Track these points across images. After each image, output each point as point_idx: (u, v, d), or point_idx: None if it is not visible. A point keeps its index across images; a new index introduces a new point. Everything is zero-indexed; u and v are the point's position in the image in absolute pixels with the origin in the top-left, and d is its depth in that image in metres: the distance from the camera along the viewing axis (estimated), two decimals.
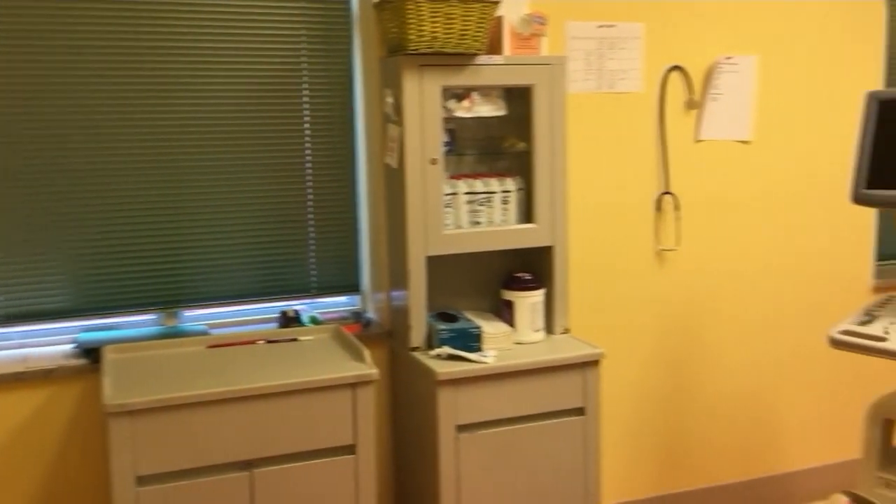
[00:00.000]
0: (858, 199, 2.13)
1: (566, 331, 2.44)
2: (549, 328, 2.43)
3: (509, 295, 2.38)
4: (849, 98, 2.91)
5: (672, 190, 2.75)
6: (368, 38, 2.41)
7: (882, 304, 2.14)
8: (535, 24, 2.32)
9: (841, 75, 2.89)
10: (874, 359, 2.98)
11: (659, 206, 2.74)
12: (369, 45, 2.41)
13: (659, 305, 2.79)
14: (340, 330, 2.33)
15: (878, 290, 3.01)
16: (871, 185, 2.11)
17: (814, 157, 2.90)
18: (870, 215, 2.99)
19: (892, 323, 2.03)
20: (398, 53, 2.20)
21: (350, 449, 2.03)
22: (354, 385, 2.01)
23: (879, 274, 3.04)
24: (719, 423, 2.92)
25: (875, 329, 2.02)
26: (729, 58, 2.72)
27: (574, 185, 2.63)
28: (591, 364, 2.29)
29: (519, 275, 2.40)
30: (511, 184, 2.38)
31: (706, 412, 2.89)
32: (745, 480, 2.96)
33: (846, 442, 3.06)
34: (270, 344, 2.28)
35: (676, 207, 2.76)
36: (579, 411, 2.29)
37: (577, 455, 2.30)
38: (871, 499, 1.64)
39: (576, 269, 2.66)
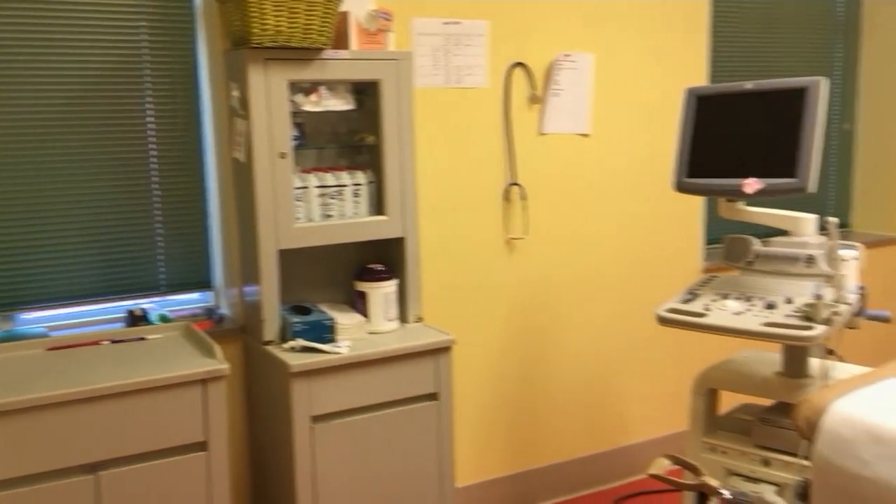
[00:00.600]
0: (680, 188, 2.31)
1: (419, 319, 2.51)
2: (402, 317, 2.49)
3: (362, 286, 2.42)
4: (676, 93, 3.13)
5: (519, 181, 2.87)
6: (213, 31, 2.38)
7: (703, 284, 2.33)
8: (381, 20, 2.37)
9: (669, 72, 3.11)
10: (701, 335, 3.23)
11: (507, 197, 2.86)
12: (214, 37, 2.38)
13: (509, 292, 2.91)
14: (191, 327, 2.29)
15: (707, 271, 3.25)
16: (691, 175, 2.29)
17: (646, 149, 3.10)
18: (698, 203, 3.23)
19: (712, 300, 2.21)
20: (242, 47, 2.19)
21: (202, 446, 2.01)
22: (205, 381, 2.00)
23: (707, 257, 3.29)
24: (566, 402, 3.08)
25: (696, 306, 2.20)
26: (568, 55, 2.87)
27: (424, 177, 2.70)
28: (443, 350, 2.36)
29: (371, 266, 2.45)
30: (362, 177, 2.42)
31: (554, 393, 3.05)
32: (591, 454, 3.14)
33: (681, 413, 3.30)
34: (116, 344, 2.22)
35: (523, 198, 2.88)
36: (433, 396, 2.36)
37: (432, 439, 2.37)
38: (688, 459, 1.79)
39: (428, 259, 2.74)
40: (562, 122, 2.91)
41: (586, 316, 3.07)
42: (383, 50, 2.38)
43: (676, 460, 1.83)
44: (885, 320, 2.13)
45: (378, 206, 2.44)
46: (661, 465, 1.82)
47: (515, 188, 2.87)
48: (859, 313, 2.10)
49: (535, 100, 2.86)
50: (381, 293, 2.41)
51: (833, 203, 3.82)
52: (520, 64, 2.82)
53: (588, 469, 3.13)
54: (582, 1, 2.89)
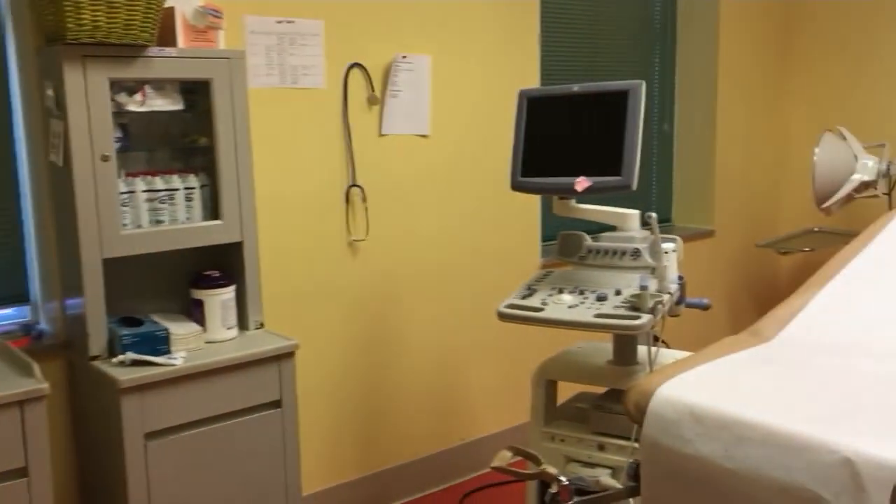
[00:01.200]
0: (516, 187, 2.38)
1: (260, 325, 2.44)
2: (242, 324, 2.41)
3: (199, 294, 2.33)
4: (512, 94, 3.22)
5: (359, 182, 2.86)
6: (23, 26, 2.20)
7: (541, 279, 2.41)
8: (210, 17, 2.28)
9: (504, 74, 3.19)
10: (540, 328, 3.35)
11: (348, 199, 2.84)
12: (24, 33, 2.21)
13: (353, 294, 2.89)
14: (6, 345, 2.11)
15: (544, 267, 3.38)
16: (526, 174, 2.36)
17: (485, 148, 3.18)
18: (535, 201, 3.35)
19: (548, 295, 2.29)
20: (57, 43, 2.04)
21: (22, 472, 1.86)
22: (22, 403, 1.85)
23: (544, 253, 3.41)
24: (413, 401, 3.10)
25: (534, 301, 2.27)
26: (405, 57, 2.89)
27: (263, 180, 2.63)
28: (285, 356, 2.31)
29: (208, 273, 2.35)
30: (195, 180, 2.32)
31: (401, 392, 3.06)
32: (440, 451, 3.17)
33: (525, 404, 3.41)
34: None
35: (364, 199, 2.87)
36: (276, 404, 2.30)
37: (277, 448, 2.31)
38: (529, 450, 1.85)
39: (269, 264, 2.67)
40: (401, 123, 2.93)
41: (431, 314, 3.10)
42: (214, 48, 2.29)
43: (518, 451, 1.88)
44: (703, 308, 2.29)
45: (213, 211, 2.35)
46: (504, 458, 1.87)
47: (356, 189, 2.86)
48: (680, 302, 2.24)
49: (374, 101, 2.86)
50: (219, 300, 2.33)
51: (656, 199, 4.07)
52: (357, 65, 2.80)
53: (436, 466, 3.16)
54: (417, 3, 2.92)
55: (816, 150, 3.49)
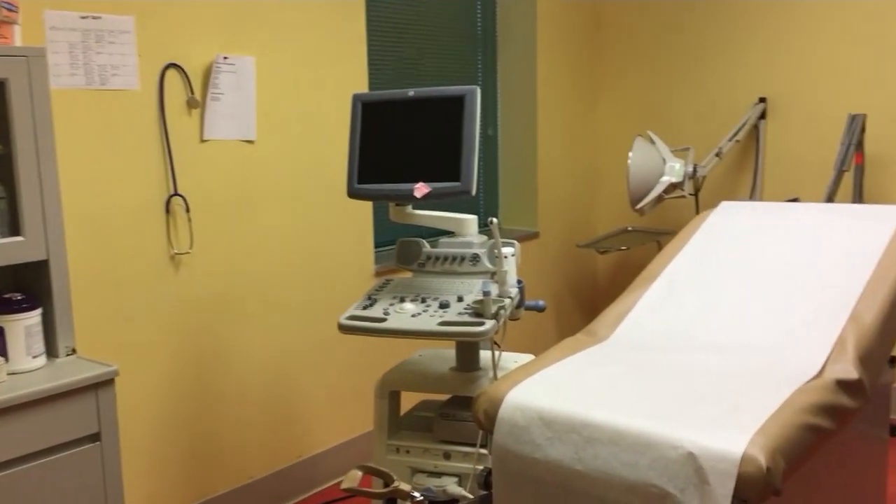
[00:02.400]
0: (353, 194, 2.31)
1: (72, 352, 2.20)
2: (51, 352, 2.16)
3: None
4: (341, 99, 3.14)
5: (181, 192, 2.67)
6: None
7: (380, 288, 2.35)
8: (4, 11, 2.03)
9: (333, 77, 3.11)
10: (381, 338, 3.30)
11: (168, 209, 2.64)
12: None
13: (177, 312, 2.69)
14: None
15: (378, 274, 3.32)
16: (362, 181, 2.30)
17: (315, 154, 3.08)
18: (368, 208, 3.29)
19: (390, 304, 2.24)
20: None
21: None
22: None
23: (378, 260, 3.36)
24: (247, 421, 2.94)
25: (376, 311, 2.21)
26: (226, 57, 2.73)
27: (72, 191, 2.39)
28: (104, 384, 2.10)
29: (8, 295, 2.09)
30: None
31: (233, 413, 2.89)
32: (276, 471, 3.03)
33: (366, 417, 3.34)
34: None
35: (187, 210, 2.69)
36: (94, 438, 2.09)
37: (97, 485, 2.10)
38: (380, 467, 1.79)
39: (82, 283, 2.43)
40: (225, 128, 2.77)
41: (263, 328, 2.95)
42: (9, 45, 2.04)
43: (368, 470, 1.82)
44: (540, 310, 2.33)
45: (12, 226, 2.09)
46: (354, 478, 1.80)
47: (178, 199, 2.66)
48: (520, 305, 2.27)
49: (195, 104, 2.68)
50: (22, 326, 2.08)
51: (484, 203, 4.14)
52: (175, 65, 2.61)
53: (274, 486, 3.02)
54: (238, 2, 2.77)
55: (630, 154, 3.68)
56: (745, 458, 1.46)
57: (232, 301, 2.85)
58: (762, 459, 1.46)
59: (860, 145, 3.41)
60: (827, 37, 3.67)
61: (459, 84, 3.84)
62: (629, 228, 4.26)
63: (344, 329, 2.18)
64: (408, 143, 2.24)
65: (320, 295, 3.14)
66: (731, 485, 1.46)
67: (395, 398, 2.38)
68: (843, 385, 1.79)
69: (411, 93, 2.24)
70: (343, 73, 3.15)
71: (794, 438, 1.56)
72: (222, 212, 2.79)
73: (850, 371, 1.83)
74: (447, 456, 2.27)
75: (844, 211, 2.40)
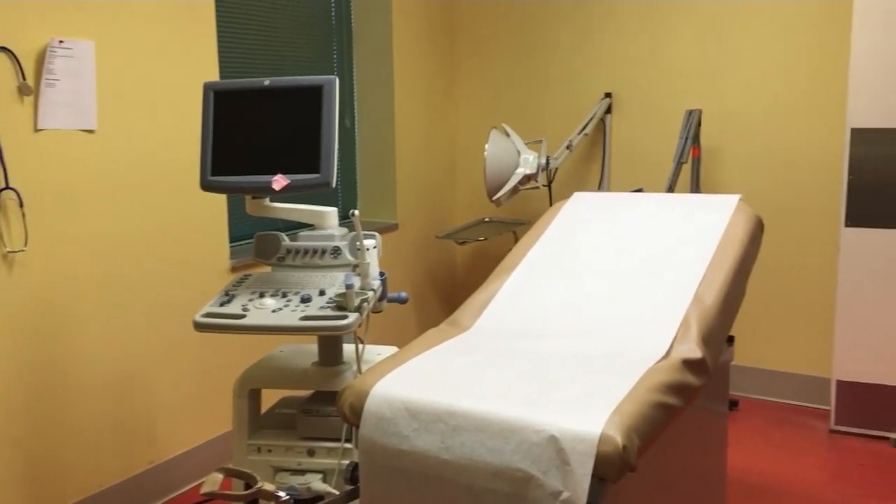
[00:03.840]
0: (206, 186, 2.21)
1: None
2: None
3: None
4: (191, 87, 3.01)
5: (13, 185, 2.47)
6: None
7: (238, 283, 2.27)
8: None
9: (180, 65, 2.97)
10: (241, 336, 3.20)
11: (0, 204, 2.44)
12: None
13: (11, 316, 2.49)
14: None
15: (234, 270, 3.22)
16: (216, 173, 2.21)
17: (164, 145, 2.93)
18: (222, 200, 3.17)
19: (249, 300, 2.17)
20: None
21: None
22: None
23: (234, 255, 3.25)
24: (95, 429, 2.77)
25: (234, 308, 2.14)
26: (62, 41, 2.55)
27: None
28: None
29: None
30: None
31: (79, 421, 2.71)
32: (129, 478, 2.88)
33: (226, 417, 3.23)
34: None
35: (21, 205, 2.49)
36: None
37: None
38: (242, 469, 1.74)
39: None
40: (62, 116, 2.58)
41: (109, 328, 2.78)
42: None
43: (230, 472, 1.75)
44: (403, 301, 2.33)
45: None
46: (215, 481, 1.73)
47: (10, 193, 2.46)
48: (383, 297, 2.26)
49: (27, 91, 2.48)
50: None
51: (342, 195, 4.10)
52: (4, 49, 2.41)
53: (123, 496, 2.86)
54: None
55: (486, 146, 3.75)
56: (603, 438, 1.53)
57: (72, 302, 2.67)
58: (619, 438, 1.52)
59: (696, 139, 3.64)
60: (667, 36, 3.88)
61: (315, 73, 3.78)
62: (487, 219, 4.35)
63: (199, 327, 2.09)
64: (264, 134, 2.18)
65: (172, 293, 3.00)
66: (590, 464, 1.51)
67: (255, 396, 2.31)
68: (688, 364, 1.90)
69: (267, 82, 2.18)
70: (192, 60, 3.01)
71: (647, 417, 1.64)
72: (61, 206, 2.61)
73: (694, 350, 1.94)
74: (311, 453, 2.23)
75: (684, 200, 2.55)
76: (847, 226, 3.29)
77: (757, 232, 2.42)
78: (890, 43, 3.14)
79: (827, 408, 3.57)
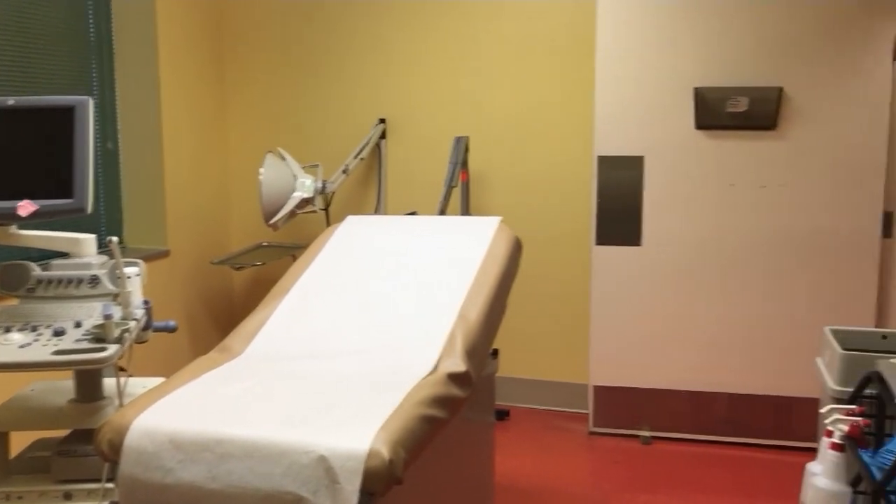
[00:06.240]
0: None
1: None
2: None
3: None
4: None
5: None
6: None
7: None
8: None
9: None
10: None
11: None
12: None
13: None
14: None
15: None
16: None
17: None
18: None
19: None
20: None
21: None
22: None
23: None
24: None
25: None
26: None
27: None
28: None
29: None
30: None
31: None
32: None
33: None
34: None
35: None
36: None
37: None
38: None
39: None
40: None
41: None
42: None
43: None
44: (171, 330, 2.25)
45: None
46: None
47: None
48: (148, 327, 2.16)
49: None
50: None
51: (105, 221, 3.87)
52: None
53: None
54: None
55: (261, 169, 3.71)
56: (371, 454, 1.57)
57: None
58: (385, 453, 1.58)
59: (465, 164, 3.84)
60: (437, 66, 4.07)
61: (72, 93, 3.55)
62: (264, 244, 4.29)
63: None
64: (9, 157, 2.02)
65: None
66: (358, 480, 1.55)
67: (2, 440, 2.12)
68: (453, 378, 2.00)
69: (11, 101, 2.02)
70: None
71: (413, 430, 1.71)
72: None
73: (458, 364, 2.05)
74: (68, 496, 2.08)
75: (450, 222, 2.69)
76: (597, 244, 3.62)
77: (516, 251, 2.60)
78: (628, 79, 3.51)
79: (586, 412, 3.88)
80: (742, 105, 3.39)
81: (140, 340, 2.14)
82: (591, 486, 3.22)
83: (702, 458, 3.47)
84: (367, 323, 2.25)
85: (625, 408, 3.69)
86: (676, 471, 3.34)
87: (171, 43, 3.95)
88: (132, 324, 2.02)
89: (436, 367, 2.04)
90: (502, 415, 3.96)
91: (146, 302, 2.17)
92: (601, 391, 3.71)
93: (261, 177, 3.70)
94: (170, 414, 1.74)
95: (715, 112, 3.42)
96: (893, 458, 1.56)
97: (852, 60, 3.30)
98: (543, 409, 4.08)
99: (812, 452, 1.87)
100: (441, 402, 1.89)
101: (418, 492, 1.92)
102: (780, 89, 3.36)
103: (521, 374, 4.11)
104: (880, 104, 3.31)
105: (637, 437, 3.67)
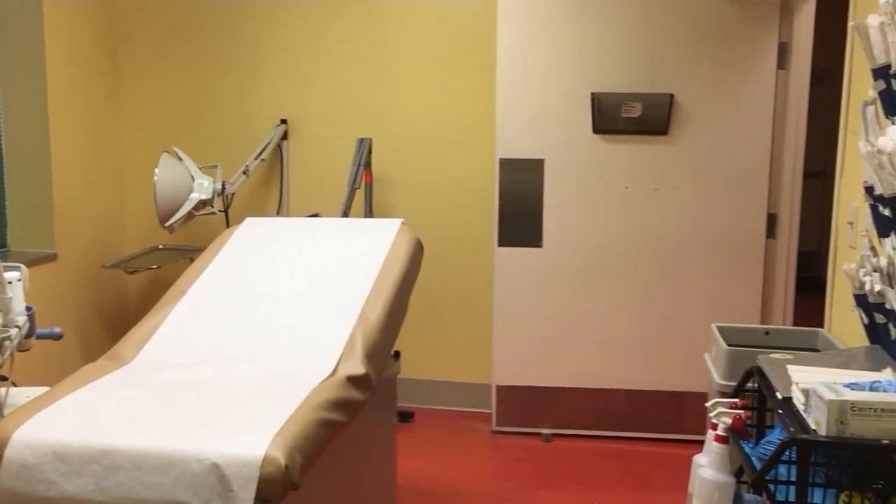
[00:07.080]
0: None
1: None
2: None
3: None
4: None
5: None
6: None
7: None
8: None
9: None
10: None
11: None
12: None
13: None
14: None
15: None
16: None
17: None
18: None
19: None
20: None
21: None
22: None
23: None
24: None
25: None
26: None
27: None
28: None
29: None
30: None
31: None
32: None
33: None
34: None
35: None
36: None
37: None
38: None
39: None
40: None
41: None
42: None
43: None
44: (56, 337, 2.15)
45: None
46: None
47: None
48: (30, 335, 2.06)
49: None
50: None
51: None
52: None
53: None
54: None
55: (156, 170, 3.60)
56: (266, 460, 1.54)
57: None
58: (281, 458, 1.55)
59: (368, 166, 3.82)
60: (338, 66, 4.04)
61: None
62: (160, 246, 4.16)
63: None
64: None
65: None
66: (253, 487, 1.52)
67: None
68: (352, 380, 1.99)
69: None
70: None
71: (310, 434, 1.69)
72: None
73: (358, 367, 2.04)
74: None
75: (351, 224, 2.67)
76: (499, 246, 3.67)
77: (417, 253, 2.60)
78: (528, 83, 3.57)
79: (489, 411, 3.93)
80: (636, 110, 3.51)
81: (22, 348, 2.04)
82: (494, 485, 3.26)
83: (600, 453, 3.57)
84: (266, 326, 2.21)
85: (527, 406, 3.75)
86: (576, 466, 3.43)
87: (61, 42, 3.78)
88: (13, 331, 1.92)
89: (335, 370, 2.02)
90: (407, 416, 3.96)
91: (29, 308, 2.07)
92: (504, 391, 3.76)
93: (156, 178, 3.59)
94: (53, 424, 1.66)
95: (611, 117, 3.52)
96: (772, 449, 1.64)
97: (739, 68, 3.46)
98: (448, 410, 4.10)
99: (703, 445, 1.94)
100: (340, 405, 1.88)
101: (316, 496, 1.89)
102: (672, 96, 3.49)
103: (426, 376, 4.12)
104: (765, 110, 3.48)
105: (539, 434, 3.74)
